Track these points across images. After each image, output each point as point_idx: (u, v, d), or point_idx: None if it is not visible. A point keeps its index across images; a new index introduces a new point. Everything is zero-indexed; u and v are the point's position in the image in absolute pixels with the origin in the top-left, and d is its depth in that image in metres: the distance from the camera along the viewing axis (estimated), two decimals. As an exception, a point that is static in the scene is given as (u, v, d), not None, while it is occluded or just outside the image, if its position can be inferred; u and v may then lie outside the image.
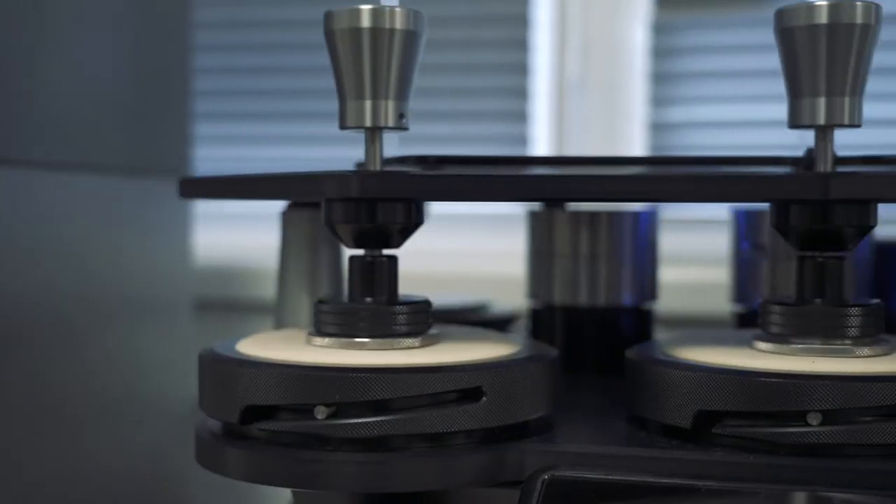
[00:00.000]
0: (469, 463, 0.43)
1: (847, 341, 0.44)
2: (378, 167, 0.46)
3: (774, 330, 0.46)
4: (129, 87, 0.86)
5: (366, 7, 0.44)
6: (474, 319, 0.69)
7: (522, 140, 1.11)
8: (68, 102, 0.78)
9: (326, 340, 0.46)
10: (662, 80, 1.08)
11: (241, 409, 0.43)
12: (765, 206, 0.61)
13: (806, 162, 0.55)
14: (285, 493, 0.51)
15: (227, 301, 1.06)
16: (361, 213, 0.45)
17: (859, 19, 0.43)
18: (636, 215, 0.63)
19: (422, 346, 0.46)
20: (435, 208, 0.61)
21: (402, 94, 0.45)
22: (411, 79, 0.45)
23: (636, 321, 0.63)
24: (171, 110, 0.92)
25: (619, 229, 0.62)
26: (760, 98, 1.06)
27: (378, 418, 0.42)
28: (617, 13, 1.07)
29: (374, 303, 0.46)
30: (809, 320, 0.45)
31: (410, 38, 0.44)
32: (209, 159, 1.17)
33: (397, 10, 0.44)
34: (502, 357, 0.45)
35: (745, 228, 0.63)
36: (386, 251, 0.47)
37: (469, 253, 1.00)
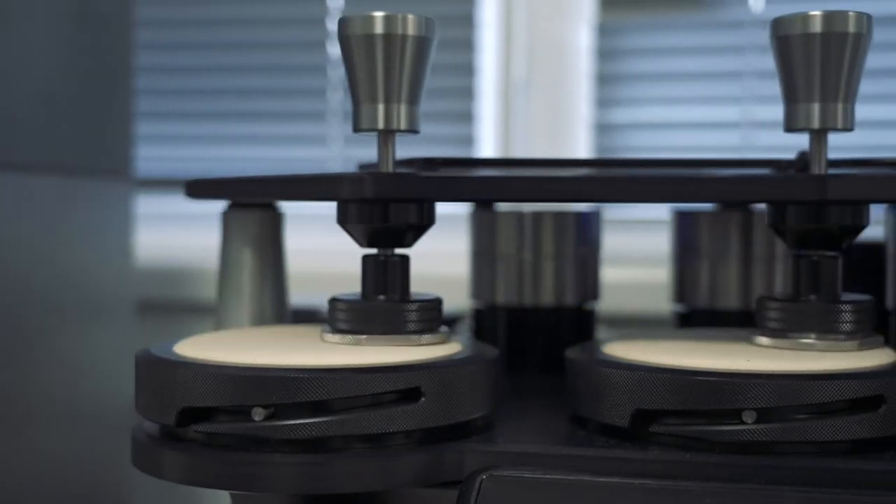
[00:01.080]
0: (408, 463, 0.43)
1: (841, 336, 0.45)
2: (391, 169, 0.47)
3: (772, 325, 0.47)
4: (69, 87, 0.84)
5: (379, 14, 0.45)
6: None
7: (468, 140, 1.11)
8: (8, 102, 0.77)
9: (338, 337, 0.47)
10: (607, 82, 1.09)
11: (178, 411, 0.43)
12: (703, 206, 0.62)
13: (799, 164, 0.56)
14: (224, 496, 0.51)
15: (170, 302, 1.05)
16: (375, 214, 0.47)
17: (852, 28, 0.44)
18: (579, 215, 0.63)
19: (437, 342, 0.47)
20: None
21: (413, 98, 0.46)
22: (422, 83, 0.47)
23: (579, 321, 0.64)
24: (113, 110, 0.91)
25: (563, 230, 0.62)
26: (704, 100, 1.08)
27: (316, 419, 0.42)
28: (562, 14, 1.08)
29: (387, 300, 0.47)
30: (805, 316, 0.46)
31: (422, 43, 0.46)
32: (152, 159, 1.16)
33: (410, 17, 0.45)
34: (441, 357, 0.45)
35: (687, 230, 0.63)
36: (398, 250, 0.48)
37: (413, 253, 0.99)
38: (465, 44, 1.10)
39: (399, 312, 0.46)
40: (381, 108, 0.46)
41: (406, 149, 1.13)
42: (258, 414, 0.41)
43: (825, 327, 0.45)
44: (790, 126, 0.46)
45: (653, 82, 1.09)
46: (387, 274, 0.47)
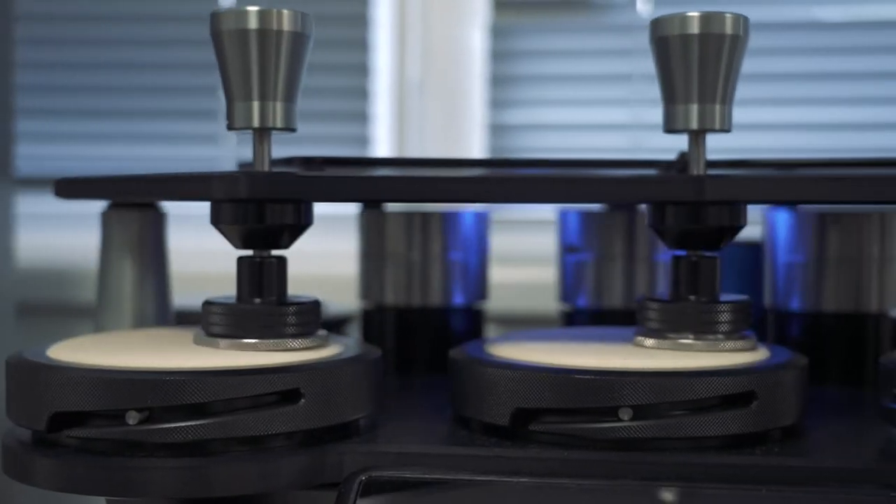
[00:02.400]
0: (289, 465, 0.42)
1: (719, 336, 0.46)
2: (266, 168, 0.46)
3: (652, 325, 0.47)
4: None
5: (253, 9, 0.44)
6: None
7: (363, 140, 1.11)
8: None
9: (214, 341, 0.45)
10: (501, 83, 1.10)
11: (49, 416, 0.42)
12: (589, 207, 0.63)
13: (678, 165, 0.57)
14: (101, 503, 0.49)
15: (51, 304, 1.02)
16: (250, 214, 0.45)
17: (729, 30, 0.45)
18: (468, 216, 0.63)
19: (315, 346, 0.46)
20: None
21: (290, 96, 0.45)
22: (299, 80, 0.46)
23: (467, 321, 0.64)
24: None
25: (451, 230, 0.62)
26: (595, 102, 1.09)
27: (194, 422, 0.41)
28: (456, 16, 1.08)
29: (263, 303, 0.46)
30: (684, 317, 0.46)
31: (298, 39, 0.45)
32: (35, 158, 1.13)
33: (285, 12, 0.44)
34: (321, 359, 0.44)
35: (573, 230, 0.64)
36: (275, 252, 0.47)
37: (303, 253, 0.99)
38: (360, 43, 1.10)
39: (275, 315, 0.45)
40: (255, 105, 0.45)
41: (299, 148, 1.12)
42: (132, 418, 0.41)
43: (703, 327, 0.46)
44: (669, 127, 0.46)
45: (546, 84, 1.10)
46: (262, 276, 0.46)
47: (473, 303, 0.64)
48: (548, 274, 0.69)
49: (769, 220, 0.61)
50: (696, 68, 0.45)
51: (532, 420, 0.44)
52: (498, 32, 1.09)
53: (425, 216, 0.62)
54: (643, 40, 1.11)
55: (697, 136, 0.46)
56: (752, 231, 0.67)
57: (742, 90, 1.03)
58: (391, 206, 0.64)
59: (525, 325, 0.72)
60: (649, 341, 0.47)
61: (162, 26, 1.14)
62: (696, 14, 0.44)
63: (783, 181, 0.45)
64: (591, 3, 1.09)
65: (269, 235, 0.46)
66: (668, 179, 0.45)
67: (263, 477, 0.42)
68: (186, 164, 1.11)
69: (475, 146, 1.10)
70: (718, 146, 1.02)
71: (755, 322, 0.63)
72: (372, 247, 0.63)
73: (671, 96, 0.46)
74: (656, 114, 1.13)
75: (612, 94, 1.09)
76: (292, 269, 0.67)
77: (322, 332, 0.47)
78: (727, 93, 0.45)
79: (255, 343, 0.45)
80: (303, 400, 0.42)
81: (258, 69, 0.44)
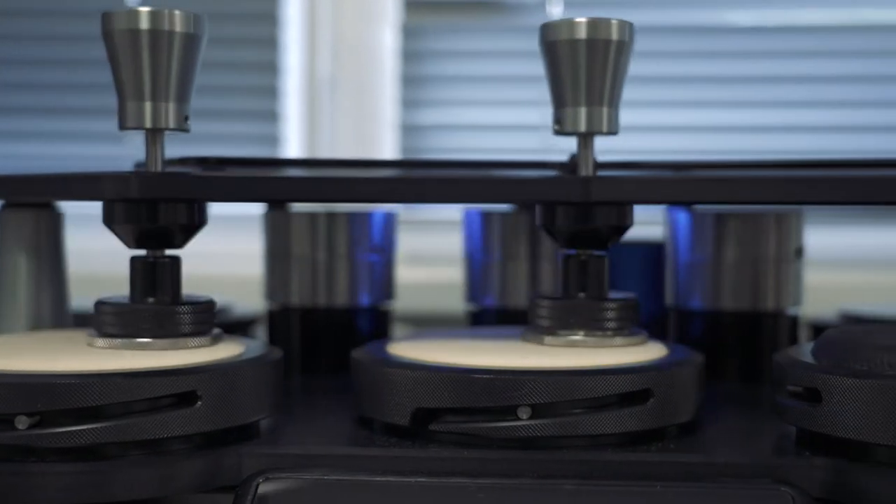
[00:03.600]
0: (186, 469, 0.42)
1: (608, 333, 0.47)
2: (159, 168, 0.46)
3: (543, 323, 0.48)
4: None
5: (144, 9, 0.44)
6: (215, 322, 0.68)
7: (274, 140, 1.10)
8: None
9: (106, 342, 0.45)
10: (412, 83, 1.10)
11: (-65, 422, 0.40)
12: (496, 207, 0.64)
13: (571, 166, 0.58)
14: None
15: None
16: (142, 214, 0.45)
17: (615, 36, 0.46)
18: (374, 216, 0.63)
19: (209, 345, 0.46)
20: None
21: (182, 96, 0.45)
22: (192, 81, 0.46)
23: (374, 321, 0.64)
24: None
25: (357, 230, 0.62)
26: (508, 103, 1.10)
27: (87, 426, 0.40)
28: (366, 15, 1.08)
29: (156, 303, 0.46)
30: (573, 314, 0.47)
31: (190, 40, 0.45)
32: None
33: (177, 12, 0.44)
34: (219, 360, 0.44)
35: (478, 230, 0.65)
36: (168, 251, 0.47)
37: (209, 254, 0.98)
38: (269, 42, 1.09)
39: (169, 315, 0.45)
40: (147, 106, 0.45)
41: (208, 147, 1.10)
42: (22, 422, 0.40)
43: (592, 324, 0.47)
44: (559, 129, 0.47)
45: (457, 85, 1.10)
46: (156, 276, 0.46)
47: (380, 303, 0.64)
48: (455, 274, 0.69)
49: (670, 221, 0.63)
50: (583, 72, 0.46)
51: (432, 420, 0.44)
52: (409, 32, 1.09)
53: (331, 216, 0.62)
54: (553, 42, 1.12)
55: (586, 139, 0.47)
56: (653, 231, 0.68)
57: (658, 93, 1.05)
58: (297, 207, 0.64)
59: (432, 324, 0.72)
60: (539, 338, 0.48)
61: (67, 22, 1.11)
62: (583, 20, 0.45)
63: (667, 182, 0.47)
64: (502, 4, 1.10)
65: (162, 235, 0.46)
66: (555, 181, 0.46)
67: (160, 481, 0.41)
68: (94, 163, 1.09)
69: (387, 146, 1.10)
70: (638, 147, 1.04)
71: (657, 321, 0.65)
72: (277, 247, 0.62)
73: (560, 100, 0.47)
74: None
75: (523, 96, 1.10)
76: (198, 270, 0.67)
77: (217, 331, 0.47)
78: (614, 96, 0.47)
79: (149, 342, 0.44)
80: (200, 402, 0.42)
81: (150, 70, 0.44)
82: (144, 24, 0.44)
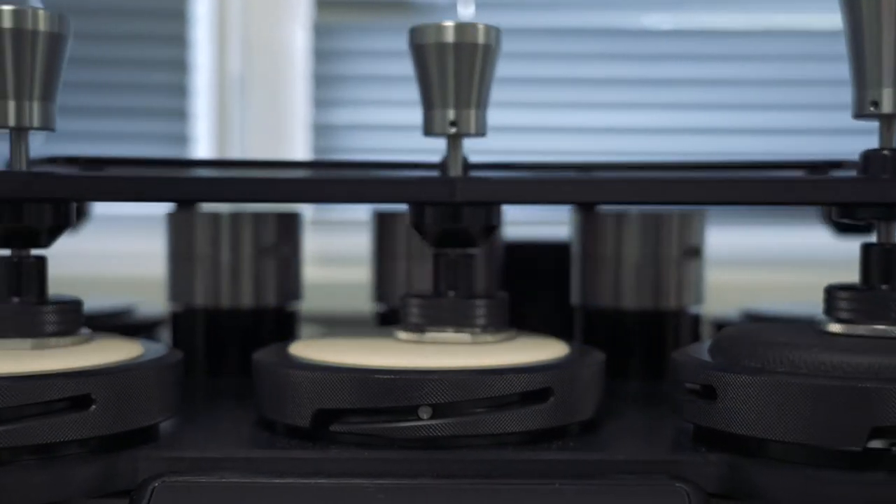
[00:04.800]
0: (81, 473, 0.41)
1: (476, 330, 0.48)
2: (24, 167, 0.46)
3: (414, 320, 0.48)
4: None
5: (7, 7, 0.43)
6: (117, 324, 0.67)
7: (183, 139, 1.08)
8: None
9: None
10: (324, 83, 1.09)
11: None
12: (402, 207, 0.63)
13: (443, 167, 0.58)
14: None
15: None
16: (6, 214, 0.45)
17: (481, 40, 0.47)
18: (280, 216, 0.62)
19: (72, 345, 0.45)
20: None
21: (48, 95, 0.45)
22: (58, 80, 0.45)
23: (280, 322, 0.63)
24: None
25: (263, 230, 0.62)
26: (419, 103, 1.10)
27: (-24, 431, 0.39)
28: (277, 13, 1.07)
29: (21, 302, 0.45)
30: (443, 311, 0.48)
31: (55, 39, 0.44)
32: None
33: (41, 11, 0.44)
34: (115, 363, 0.43)
35: (382, 229, 0.64)
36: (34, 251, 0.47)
37: (113, 255, 0.96)
38: (178, 39, 1.07)
39: (33, 314, 0.45)
40: (11, 105, 0.44)
41: (117, 146, 1.08)
42: None
43: (461, 322, 0.48)
44: (427, 131, 0.48)
45: (370, 84, 1.10)
46: (21, 275, 0.46)
47: (286, 304, 0.63)
48: (364, 274, 0.69)
49: (575, 221, 0.63)
50: (451, 75, 0.47)
51: (334, 421, 0.43)
52: (321, 31, 1.09)
53: (235, 217, 0.61)
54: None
55: (455, 140, 0.48)
56: (559, 231, 0.68)
57: (574, 95, 1.05)
58: (202, 207, 0.63)
59: (341, 325, 0.71)
60: (407, 335, 0.49)
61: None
62: (451, 24, 0.47)
63: (531, 184, 0.48)
64: (414, 4, 1.10)
65: (28, 235, 0.46)
66: (422, 181, 0.47)
67: (54, 486, 0.40)
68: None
69: (299, 146, 1.09)
70: (555, 148, 1.04)
71: (563, 320, 0.65)
72: (181, 248, 0.62)
73: (429, 102, 0.48)
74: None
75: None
76: (103, 271, 0.66)
77: (85, 331, 0.47)
78: (481, 99, 0.48)
79: (15, 342, 0.44)
80: (94, 405, 0.41)
81: (13, 68, 0.44)
82: (7, 22, 0.43)
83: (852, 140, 1.02)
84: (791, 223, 1.03)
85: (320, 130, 1.09)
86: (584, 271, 0.62)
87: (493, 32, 0.47)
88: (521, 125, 1.09)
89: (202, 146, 1.07)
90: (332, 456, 0.42)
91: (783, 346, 0.42)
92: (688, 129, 1.08)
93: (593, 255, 0.62)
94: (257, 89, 1.07)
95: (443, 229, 0.48)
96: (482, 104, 0.48)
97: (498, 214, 0.49)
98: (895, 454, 0.39)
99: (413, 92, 1.17)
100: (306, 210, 0.72)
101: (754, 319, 0.69)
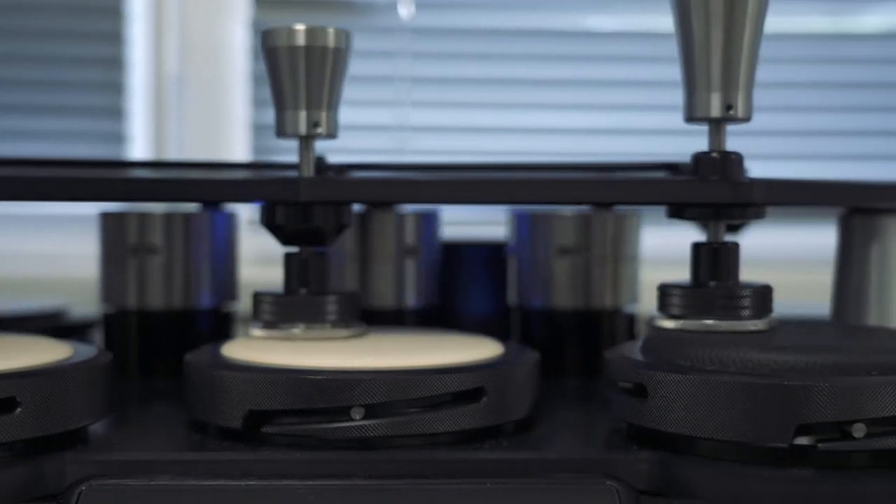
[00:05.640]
0: (5, 477, 0.40)
1: (327, 326, 0.49)
2: None
3: (266, 318, 0.49)
4: None
5: None
6: (50, 326, 0.66)
7: (120, 137, 1.07)
8: None
9: None
10: (264, 82, 1.08)
11: None
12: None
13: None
14: None
15: None
16: None
17: (332, 43, 0.48)
18: (213, 216, 0.62)
19: None
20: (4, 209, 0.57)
21: None
22: None
23: (215, 323, 0.63)
24: None
25: (195, 230, 0.61)
26: (360, 103, 1.09)
27: None
28: (215, 10, 1.06)
29: None
30: (294, 308, 0.49)
31: None
32: None
33: None
34: (42, 365, 0.42)
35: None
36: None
37: (45, 255, 0.95)
38: (114, 37, 1.06)
39: None
40: None
41: (53, 146, 1.06)
42: None
43: (312, 318, 0.49)
44: (280, 132, 0.50)
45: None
46: None
47: (221, 304, 0.63)
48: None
49: (512, 221, 0.63)
50: (303, 77, 0.48)
51: (266, 422, 0.43)
52: (260, 30, 1.08)
53: (169, 217, 0.60)
54: (405, 43, 1.13)
55: (307, 142, 0.50)
56: (496, 231, 0.69)
57: (513, 95, 1.05)
58: (133, 206, 0.62)
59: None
60: (262, 332, 0.49)
61: None
62: (301, 28, 0.48)
63: (375, 184, 0.51)
64: (353, 4, 1.10)
65: None
66: (268, 181, 0.49)
67: (-22, 491, 0.40)
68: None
69: (238, 145, 1.08)
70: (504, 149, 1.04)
71: (500, 320, 0.66)
72: (113, 248, 0.61)
73: (281, 103, 0.49)
74: (420, 115, 1.15)
75: (377, 96, 1.10)
76: (34, 273, 0.65)
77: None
78: (332, 100, 0.49)
79: None
80: (19, 409, 0.40)
81: None
82: None
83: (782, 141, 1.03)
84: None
85: (260, 130, 1.08)
86: (521, 271, 0.63)
87: (344, 36, 0.49)
88: (464, 126, 1.10)
89: (139, 145, 1.06)
90: (264, 457, 0.41)
91: (713, 345, 0.43)
92: (632, 130, 1.09)
93: (529, 255, 0.62)
94: (195, 88, 1.06)
95: (293, 229, 0.50)
96: (334, 105, 0.49)
97: (348, 214, 0.50)
98: (821, 451, 0.40)
99: (352, 92, 1.16)
100: (243, 210, 0.71)
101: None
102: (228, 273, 0.63)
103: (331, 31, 0.48)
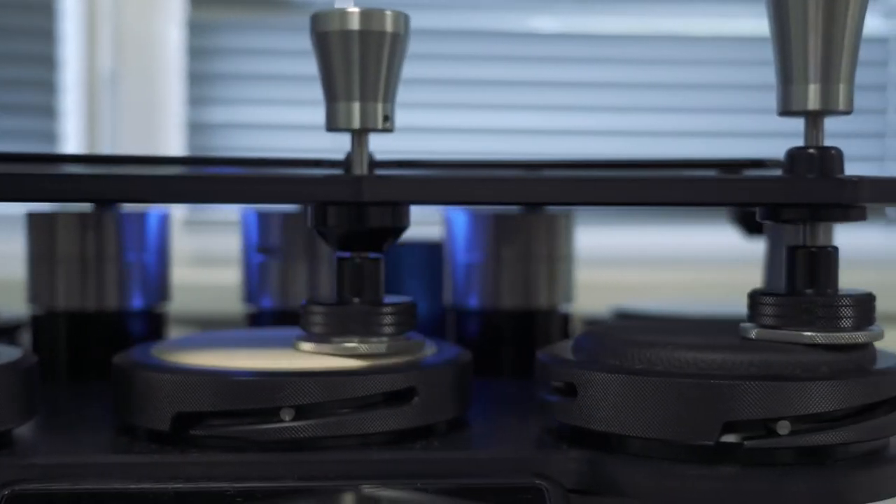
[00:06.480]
0: (-75, 484, 0.39)
1: (384, 339, 0.45)
2: None
3: (317, 329, 0.45)
4: None
5: None
6: None
7: (52, 136, 1.05)
8: None
9: None
10: (200, 80, 1.08)
11: None
12: (276, 208, 0.63)
13: (347, 165, 0.56)
14: None
15: None
16: None
17: (389, 28, 0.44)
18: (145, 216, 0.61)
19: None
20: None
21: None
22: None
23: (147, 324, 0.62)
24: None
25: (128, 230, 0.60)
26: (299, 102, 1.09)
27: None
28: (150, 8, 1.05)
29: None
30: (349, 319, 0.45)
31: None
32: None
33: None
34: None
35: (254, 230, 0.64)
36: None
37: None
38: (46, 34, 1.04)
39: None
40: None
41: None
42: None
43: (368, 330, 0.45)
44: (331, 126, 0.45)
45: (246, 83, 1.09)
46: None
47: (153, 305, 0.62)
48: (236, 275, 0.68)
49: (448, 221, 0.63)
50: (357, 65, 0.44)
51: (195, 424, 0.43)
52: (196, 28, 1.07)
53: (99, 216, 0.60)
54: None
55: (361, 136, 0.45)
56: (432, 231, 0.69)
57: (458, 95, 1.05)
58: (63, 207, 0.61)
59: (212, 326, 0.70)
60: (311, 346, 0.45)
61: None
62: (356, 10, 0.43)
63: (443, 182, 0.45)
64: (289, 2, 1.09)
65: None
66: (326, 179, 0.44)
67: None
68: None
69: (173, 144, 1.07)
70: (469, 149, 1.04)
71: (436, 320, 0.66)
72: (41, 248, 0.60)
73: (332, 94, 0.45)
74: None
75: (315, 95, 1.09)
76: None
77: None
78: (388, 91, 0.45)
79: None
80: (-62, 412, 0.39)
81: None
82: None
83: (736, 143, 1.04)
84: (664, 223, 1.06)
85: (195, 129, 1.07)
86: (456, 271, 0.63)
87: (402, 20, 0.44)
88: (407, 126, 1.09)
89: (71, 144, 1.04)
90: (192, 460, 0.41)
91: (641, 344, 0.43)
92: (574, 132, 1.09)
93: (464, 255, 0.62)
94: (129, 86, 1.05)
95: (346, 231, 0.45)
96: (389, 97, 0.45)
97: (406, 215, 0.46)
98: (747, 448, 0.40)
99: (290, 91, 1.16)
100: (176, 210, 0.71)
101: (625, 318, 0.70)
102: (161, 273, 0.62)
103: (389, 14, 0.44)
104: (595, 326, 0.48)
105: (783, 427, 0.40)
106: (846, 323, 0.43)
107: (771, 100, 0.44)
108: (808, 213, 0.43)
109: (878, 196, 0.43)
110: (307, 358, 0.45)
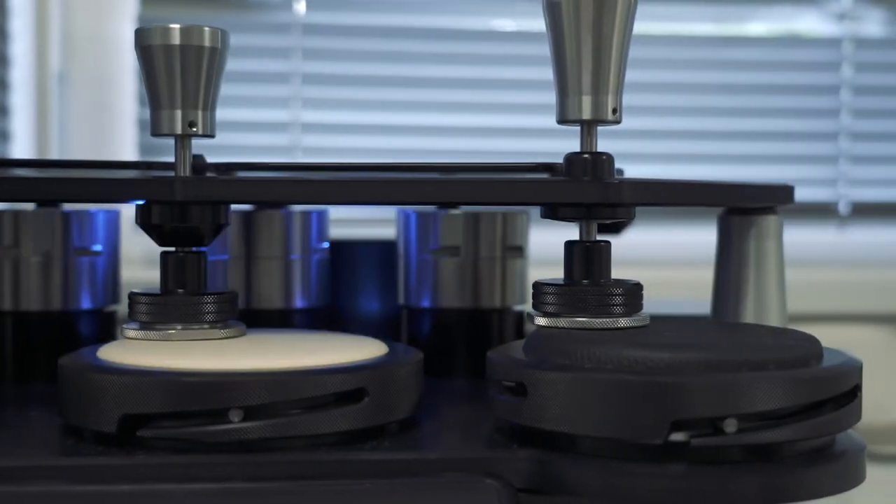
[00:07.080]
0: None
1: (205, 326, 0.48)
2: None
3: (143, 318, 0.49)
4: None
5: None
6: None
7: (2, 135, 1.04)
8: None
9: None
10: (153, 79, 1.06)
11: None
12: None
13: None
14: None
15: None
16: None
17: (207, 42, 0.48)
18: (93, 215, 0.60)
19: None
20: None
21: None
22: None
23: (97, 325, 0.61)
24: None
25: (76, 229, 0.60)
26: (254, 101, 1.08)
27: None
28: (101, 5, 1.03)
29: None
30: (170, 308, 0.48)
31: None
32: None
33: None
34: None
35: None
36: None
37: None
38: (-4, 31, 1.03)
39: None
40: None
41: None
42: None
43: (189, 318, 0.48)
44: (154, 132, 0.49)
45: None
46: None
47: (104, 306, 0.61)
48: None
49: (401, 220, 0.63)
50: (178, 77, 0.48)
51: (143, 426, 0.42)
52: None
53: (46, 214, 0.59)
54: (300, 40, 1.12)
55: (183, 140, 0.49)
56: (386, 231, 0.69)
57: (414, 94, 1.05)
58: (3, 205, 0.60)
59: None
60: (134, 332, 0.48)
61: None
62: (177, 27, 0.48)
63: (253, 184, 0.50)
64: (244, 1, 1.08)
65: None
66: (147, 182, 0.48)
67: None
68: None
69: (126, 143, 1.06)
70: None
71: (391, 320, 0.65)
72: (-13, 248, 0.59)
73: (157, 103, 0.48)
74: (314, 114, 1.14)
75: (271, 93, 1.09)
76: None
77: None
78: (209, 100, 0.49)
79: None
80: None
81: None
82: None
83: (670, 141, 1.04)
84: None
85: (147, 127, 1.06)
86: (408, 271, 0.63)
87: (220, 35, 0.49)
88: (356, 123, 1.09)
89: (20, 143, 1.03)
90: (139, 461, 0.41)
91: (590, 343, 0.43)
92: (535, 131, 1.10)
93: (417, 254, 0.62)
94: (80, 85, 1.04)
95: (170, 228, 0.49)
96: (210, 105, 0.49)
97: (226, 214, 0.50)
98: (694, 446, 0.41)
99: (247, 89, 1.15)
100: (127, 210, 0.70)
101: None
102: (110, 274, 0.62)
103: (206, 30, 0.48)
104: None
105: (730, 425, 0.40)
106: (617, 310, 0.48)
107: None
108: (585, 212, 0.49)
109: (638, 197, 0.48)
110: (256, 358, 0.44)
